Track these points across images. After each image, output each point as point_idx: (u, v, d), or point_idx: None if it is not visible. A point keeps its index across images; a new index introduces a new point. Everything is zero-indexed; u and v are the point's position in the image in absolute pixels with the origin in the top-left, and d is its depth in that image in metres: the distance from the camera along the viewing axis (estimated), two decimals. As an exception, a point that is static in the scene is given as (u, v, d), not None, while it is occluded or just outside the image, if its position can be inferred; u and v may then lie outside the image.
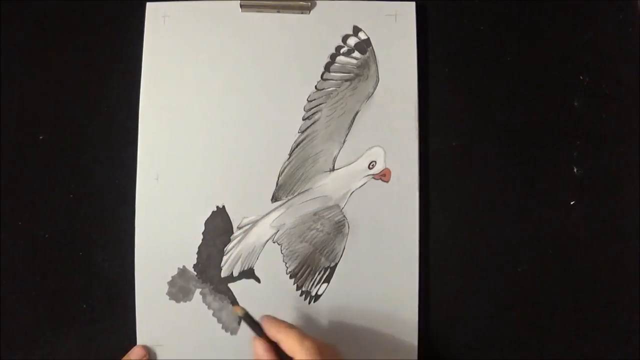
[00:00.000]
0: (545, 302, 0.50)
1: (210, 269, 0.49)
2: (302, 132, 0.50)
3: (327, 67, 0.50)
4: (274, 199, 0.50)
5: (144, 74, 0.50)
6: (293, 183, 0.50)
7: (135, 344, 0.49)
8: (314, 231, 0.50)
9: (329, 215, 0.50)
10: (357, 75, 0.50)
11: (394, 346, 0.49)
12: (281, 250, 0.49)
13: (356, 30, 0.50)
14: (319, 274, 0.49)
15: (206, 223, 0.49)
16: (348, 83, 0.50)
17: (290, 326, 0.42)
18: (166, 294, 0.49)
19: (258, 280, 0.49)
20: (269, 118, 0.50)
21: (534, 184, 0.51)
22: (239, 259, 0.49)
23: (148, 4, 0.51)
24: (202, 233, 0.49)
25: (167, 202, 0.49)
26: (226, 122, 0.50)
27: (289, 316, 0.49)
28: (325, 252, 0.49)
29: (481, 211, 0.51)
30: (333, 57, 0.50)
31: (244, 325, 0.49)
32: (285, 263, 0.49)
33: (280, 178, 0.50)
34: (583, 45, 0.52)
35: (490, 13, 0.52)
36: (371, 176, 0.50)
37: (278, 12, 0.51)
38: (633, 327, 0.50)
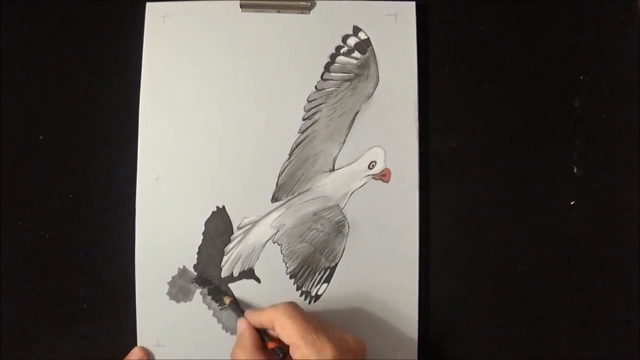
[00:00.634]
0: (545, 302, 0.50)
1: (210, 269, 0.49)
2: (302, 132, 0.50)
3: (327, 67, 0.50)
4: (274, 199, 0.50)
5: (144, 74, 0.50)
6: (293, 183, 0.50)
7: (135, 344, 0.49)
8: (314, 231, 0.50)
9: (329, 216, 0.50)
10: (357, 75, 0.50)
11: (394, 346, 0.49)
12: (281, 251, 0.49)
13: (356, 30, 0.50)
14: (319, 274, 0.49)
15: (206, 223, 0.49)
16: (348, 83, 0.50)
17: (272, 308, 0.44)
18: (166, 294, 0.49)
19: (258, 280, 0.49)
20: (269, 118, 0.50)
21: (534, 184, 0.51)
22: (239, 259, 0.49)
23: (148, 4, 0.50)
24: (202, 233, 0.49)
25: (167, 202, 0.49)
26: (226, 122, 0.50)
27: (289, 316, 0.49)
28: (325, 252, 0.49)
29: (481, 211, 0.51)
30: (333, 57, 0.50)
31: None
32: (285, 263, 0.49)
33: (280, 178, 0.50)
34: (583, 45, 0.52)
35: (490, 13, 0.52)
36: (371, 176, 0.50)
37: (278, 12, 0.51)
38: (633, 327, 0.50)
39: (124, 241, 0.49)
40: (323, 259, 0.50)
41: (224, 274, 0.49)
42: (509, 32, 0.52)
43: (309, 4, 0.50)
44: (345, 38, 0.50)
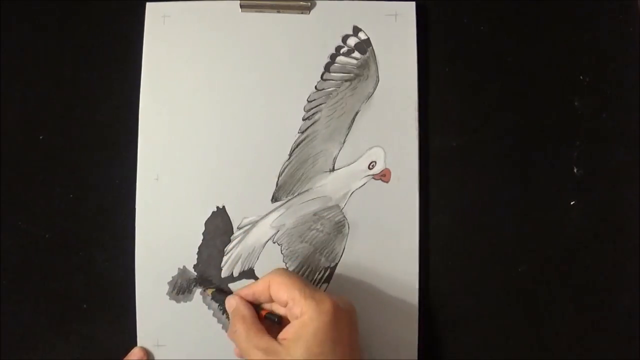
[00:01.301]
0: (545, 301, 0.50)
1: (210, 269, 0.49)
2: (302, 132, 0.50)
3: (327, 67, 0.50)
4: (274, 199, 0.50)
5: (144, 74, 0.50)
6: (293, 183, 0.50)
7: (135, 344, 0.49)
8: (314, 231, 0.50)
9: (329, 216, 0.50)
10: (357, 75, 0.50)
11: (394, 346, 0.49)
12: (281, 251, 0.50)
13: (356, 30, 0.50)
14: (319, 274, 0.49)
15: (206, 223, 0.49)
16: (348, 83, 0.50)
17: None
18: (166, 294, 0.49)
19: (258, 280, 0.49)
20: (269, 118, 0.50)
21: (534, 184, 0.51)
22: (239, 259, 0.49)
23: (148, 4, 0.50)
24: (203, 233, 0.49)
25: (167, 202, 0.49)
26: (226, 122, 0.50)
27: (289, 316, 0.49)
28: (325, 252, 0.49)
29: (481, 211, 0.51)
30: (333, 57, 0.50)
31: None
32: (286, 263, 0.49)
33: (280, 178, 0.50)
34: (583, 45, 0.52)
35: (490, 13, 0.52)
36: (371, 176, 0.50)
37: (278, 12, 0.51)
38: (633, 327, 0.50)
39: (124, 241, 0.49)
40: (323, 259, 0.50)
41: (224, 274, 0.49)
42: (509, 32, 0.52)
43: (309, 4, 0.50)
44: (345, 38, 0.50)
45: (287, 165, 0.50)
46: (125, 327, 0.49)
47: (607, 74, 0.52)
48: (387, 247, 0.49)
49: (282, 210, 0.50)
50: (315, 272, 0.49)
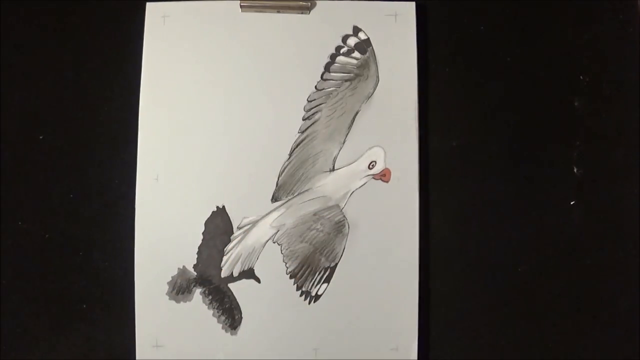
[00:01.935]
0: (545, 302, 0.50)
1: (210, 269, 0.49)
2: (302, 132, 0.50)
3: (327, 67, 0.50)
4: (274, 199, 0.50)
5: (144, 74, 0.50)
6: (293, 183, 0.50)
7: (134, 344, 0.49)
8: (314, 231, 0.50)
9: (329, 216, 0.50)
10: (357, 75, 0.50)
11: (394, 346, 0.49)
12: (281, 251, 0.49)
13: (356, 30, 0.51)
14: (319, 274, 0.49)
15: (206, 223, 0.49)
16: (348, 83, 0.50)
17: None
18: (166, 294, 0.49)
19: (258, 280, 0.49)
20: (269, 118, 0.50)
21: (534, 184, 0.51)
22: (239, 259, 0.49)
23: (148, 4, 0.51)
24: (202, 233, 0.49)
25: (167, 202, 0.49)
26: (226, 122, 0.50)
27: (289, 316, 0.49)
28: (325, 252, 0.49)
29: (481, 211, 0.51)
30: (333, 57, 0.50)
31: (244, 325, 0.49)
32: (285, 263, 0.49)
33: (280, 178, 0.50)
34: (583, 45, 0.52)
35: (490, 13, 0.52)
36: (371, 176, 0.50)
37: (278, 12, 0.51)
38: (633, 327, 0.50)
39: (123, 241, 0.49)
40: (323, 259, 0.50)
41: (224, 274, 0.49)
42: (509, 32, 0.52)
43: (309, 4, 0.50)
44: (345, 38, 0.50)
45: (287, 165, 0.50)
46: (125, 327, 0.49)
47: (607, 74, 0.52)
48: (387, 247, 0.49)
49: (282, 210, 0.50)
50: (315, 272, 0.49)
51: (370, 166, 0.50)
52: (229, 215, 0.49)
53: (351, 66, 0.50)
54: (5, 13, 0.52)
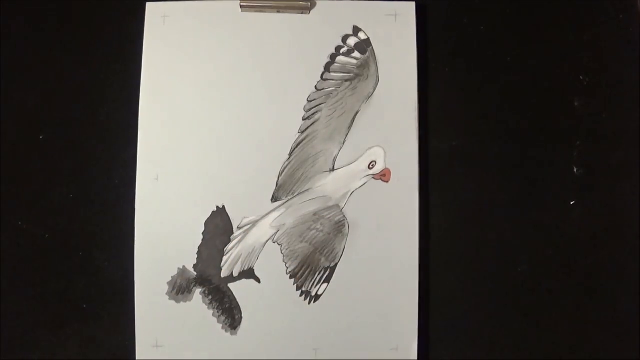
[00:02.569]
0: (545, 301, 0.50)
1: (210, 269, 0.49)
2: (302, 132, 0.50)
3: (327, 67, 0.50)
4: (274, 199, 0.50)
5: (144, 74, 0.50)
6: (293, 183, 0.50)
7: (134, 344, 0.49)
8: (314, 231, 0.50)
9: (329, 216, 0.50)
10: (357, 75, 0.50)
11: (394, 346, 0.49)
12: (281, 251, 0.49)
13: (356, 30, 0.51)
14: (319, 274, 0.49)
15: (206, 223, 0.49)
16: (348, 83, 0.50)
17: None
18: (166, 294, 0.49)
19: (258, 280, 0.49)
20: (269, 118, 0.50)
21: (534, 184, 0.51)
22: (239, 259, 0.49)
23: (148, 4, 0.51)
24: (202, 233, 0.49)
25: (167, 202, 0.49)
26: (226, 122, 0.50)
27: (289, 316, 0.49)
28: (325, 252, 0.49)
29: (481, 211, 0.51)
30: (333, 57, 0.50)
31: (243, 325, 0.49)
32: (285, 263, 0.49)
33: (280, 178, 0.50)
34: (583, 45, 0.52)
35: (490, 13, 0.52)
36: (371, 176, 0.50)
37: (278, 12, 0.51)
38: (633, 327, 0.50)
39: (123, 241, 0.49)
40: (323, 259, 0.50)
41: (224, 274, 0.49)
42: (509, 32, 0.52)
43: (309, 4, 0.50)
44: (345, 38, 0.50)
45: (287, 165, 0.50)
46: (125, 327, 0.49)
47: (607, 74, 0.52)
48: (387, 247, 0.49)
49: (282, 210, 0.50)
50: (315, 272, 0.49)
51: (370, 166, 0.50)
52: (229, 215, 0.49)
53: (351, 66, 0.50)
54: (5, 13, 0.52)
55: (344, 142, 0.50)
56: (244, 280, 0.49)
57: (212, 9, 0.51)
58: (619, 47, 0.52)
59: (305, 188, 0.50)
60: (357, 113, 0.50)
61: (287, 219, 0.50)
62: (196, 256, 0.49)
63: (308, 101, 0.50)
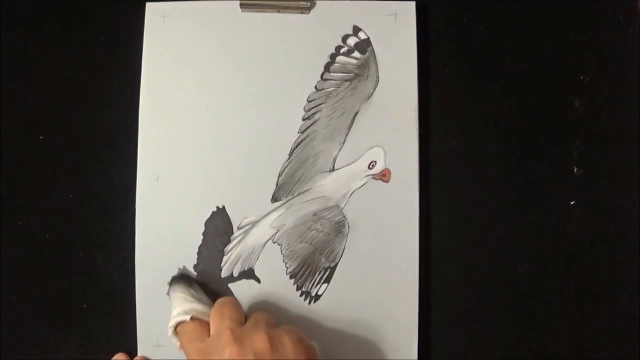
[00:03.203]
0: (545, 301, 0.50)
1: (210, 269, 0.49)
2: (302, 132, 0.50)
3: (327, 67, 0.50)
4: (274, 199, 0.50)
5: (143, 74, 0.50)
6: (293, 183, 0.50)
7: (135, 344, 0.49)
8: (314, 231, 0.50)
9: (329, 216, 0.50)
10: (357, 75, 0.50)
11: (394, 346, 0.49)
12: (281, 251, 0.49)
13: (356, 30, 0.50)
14: (319, 274, 0.49)
15: (206, 223, 0.49)
16: (348, 83, 0.50)
17: None
18: (166, 294, 0.49)
19: (258, 280, 0.49)
20: (268, 118, 0.50)
21: (534, 184, 0.51)
22: (239, 259, 0.49)
23: (148, 4, 0.50)
24: (202, 233, 0.49)
25: (167, 203, 0.49)
26: (226, 122, 0.50)
27: (289, 316, 0.49)
28: (325, 252, 0.49)
29: (481, 211, 0.51)
30: (333, 57, 0.50)
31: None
32: (285, 263, 0.49)
33: (280, 178, 0.50)
34: (583, 45, 0.52)
35: (490, 13, 0.52)
36: (371, 176, 0.50)
37: (278, 12, 0.51)
38: (633, 327, 0.50)
39: (124, 241, 0.49)
40: (323, 259, 0.50)
41: (224, 274, 0.49)
42: (509, 32, 0.52)
43: (309, 4, 0.50)
44: (345, 38, 0.50)
45: (287, 165, 0.50)
46: (125, 327, 0.49)
47: (607, 74, 0.52)
48: (387, 247, 0.49)
49: (282, 210, 0.50)
50: (315, 272, 0.49)
51: (370, 166, 0.50)
52: (229, 215, 0.49)
53: (351, 66, 0.50)
54: (5, 13, 0.52)
55: (344, 142, 0.50)
56: (244, 281, 0.49)
57: (212, 8, 0.51)
58: (619, 47, 0.52)
59: (305, 188, 0.50)
60: (357, 113, 0.50)
61: (287, 219, 0.50)
62: (196, 256, 0.49)
63: (308, 101, 0.50)
